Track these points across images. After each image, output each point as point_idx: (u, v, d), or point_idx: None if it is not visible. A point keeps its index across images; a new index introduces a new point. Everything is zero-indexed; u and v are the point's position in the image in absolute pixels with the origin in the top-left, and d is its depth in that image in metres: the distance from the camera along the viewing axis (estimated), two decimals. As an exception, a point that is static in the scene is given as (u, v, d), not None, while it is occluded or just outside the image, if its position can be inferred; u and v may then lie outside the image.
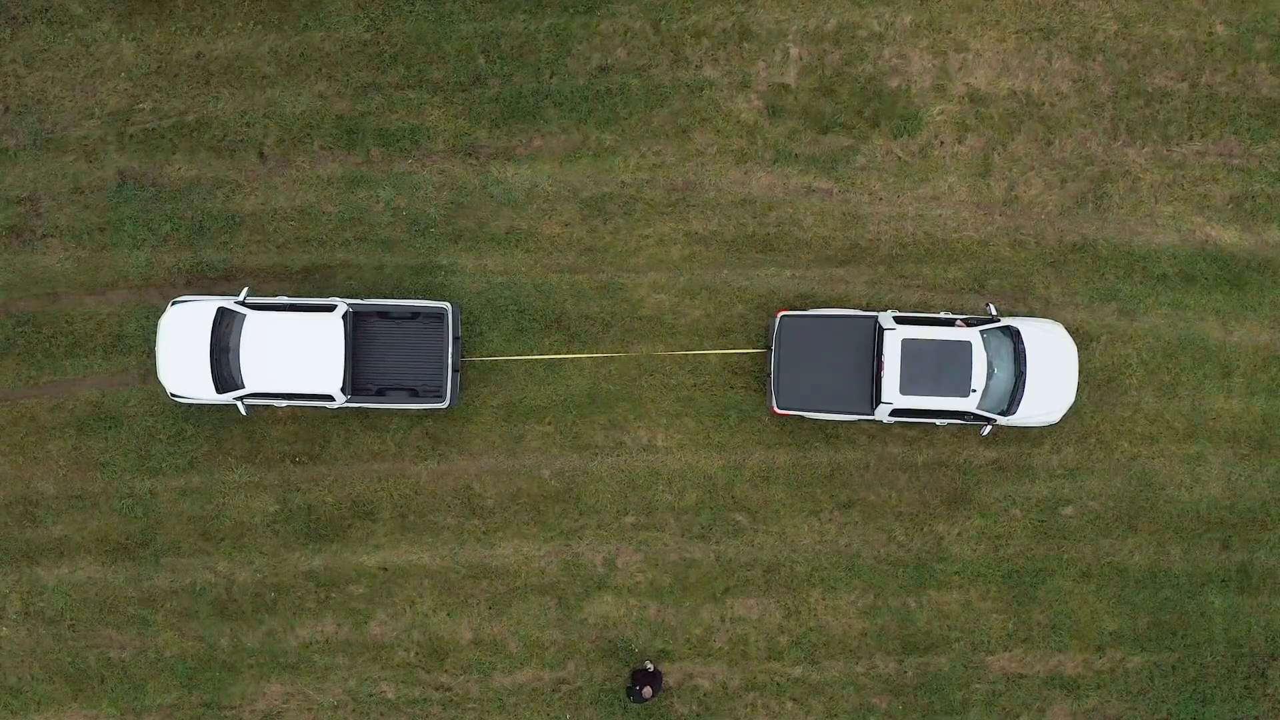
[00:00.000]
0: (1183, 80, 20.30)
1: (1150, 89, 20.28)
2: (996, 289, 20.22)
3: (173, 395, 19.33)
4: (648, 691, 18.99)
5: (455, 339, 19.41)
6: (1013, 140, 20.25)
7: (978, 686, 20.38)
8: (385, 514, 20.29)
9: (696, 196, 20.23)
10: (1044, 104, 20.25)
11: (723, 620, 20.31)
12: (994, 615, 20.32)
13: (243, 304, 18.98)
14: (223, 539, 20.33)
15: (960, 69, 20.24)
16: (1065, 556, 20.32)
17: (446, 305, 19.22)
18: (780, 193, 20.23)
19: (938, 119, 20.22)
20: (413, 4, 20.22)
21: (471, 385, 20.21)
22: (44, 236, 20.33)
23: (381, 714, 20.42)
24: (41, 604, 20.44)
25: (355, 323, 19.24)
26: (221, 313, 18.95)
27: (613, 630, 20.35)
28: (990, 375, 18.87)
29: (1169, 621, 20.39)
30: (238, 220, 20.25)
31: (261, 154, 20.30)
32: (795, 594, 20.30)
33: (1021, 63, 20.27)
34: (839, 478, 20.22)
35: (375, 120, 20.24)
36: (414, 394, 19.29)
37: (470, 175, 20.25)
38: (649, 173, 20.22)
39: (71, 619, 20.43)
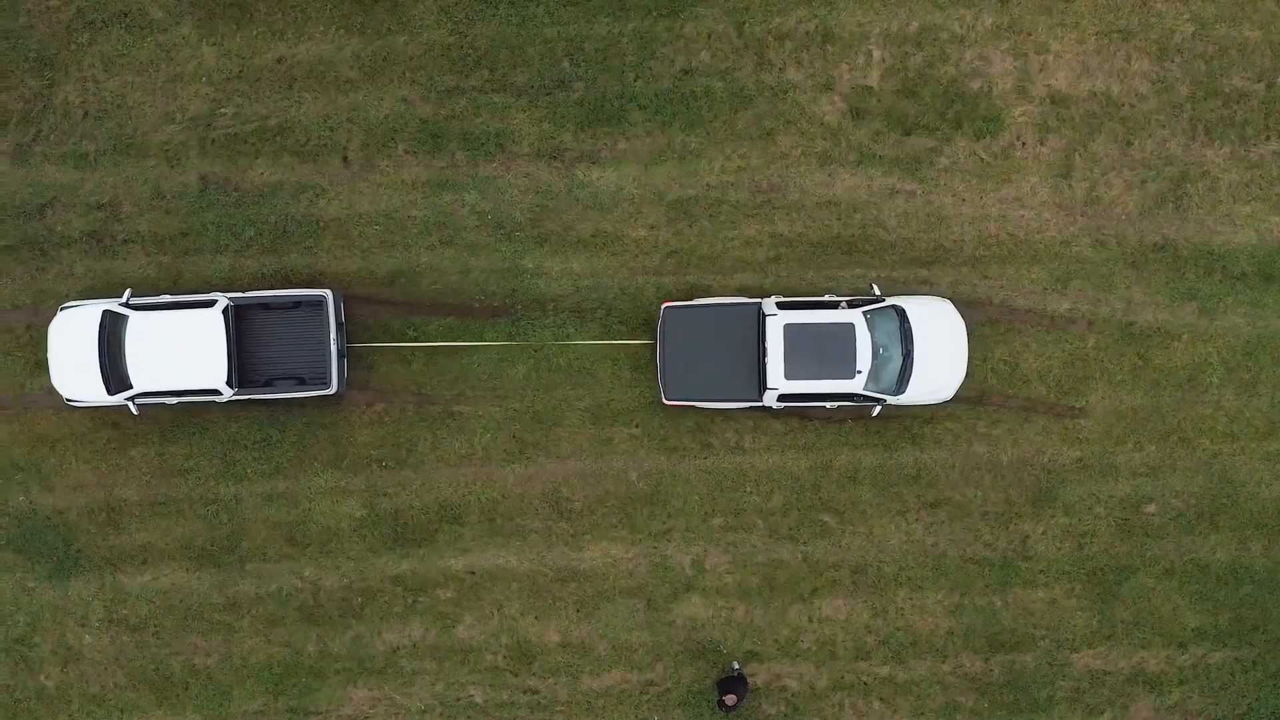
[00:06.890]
0: (1259, 81, 20.47)
1: (1227, 89, 20.45)
2: (1079, 289, 20.35)
3: (68, 401, 19.40)
4: (730, 699, 19.02)
5: (339, 325, 19.50)
6: (1093, 141, 20.38)
7: (1062, 684, 20.51)
8: (472, 518, 20.27)
9: (781, 198, 20.28)
10: (1124, 105, 20.39)
11: (810, 621, 20.37)
12: (1078, 613, 20.45)
13: (126, 305, 19.06)
14: (309, 544, 20.27)
15: (1041, 70, 20.35)
16: (1148, 554, 20.48)
17: (326, 293, 19.28)
18: (864, 194, 20.30)
19: (1019, 120, 20.34)
20: (496, 7, 20.20)
21: (559, 388, 20.21)
22: (125, 242, 20.22)
23: (469, 718, 20.39)
24: (125, 611, 20.33)
25: (238, 316, 19.32)
26: (107, 315, 19.01)
27: (701, 632, 20.39)
28: (876, 356, 18.98)
29: (1250, 617, 20.57)
30: (321, 225, 20.20)
31: (345, 158, 20.24)
32: (882, 594, 20.38)
33: (1101, 64, 20.40)
34: (925, 478, 20.31)
35: (459, 124, 20.21)
36: (301, 382, 19.40)
37: (555, 178, 20.25)
38: (734, 175, 20.26)
39: (155, 626, 20.33)
